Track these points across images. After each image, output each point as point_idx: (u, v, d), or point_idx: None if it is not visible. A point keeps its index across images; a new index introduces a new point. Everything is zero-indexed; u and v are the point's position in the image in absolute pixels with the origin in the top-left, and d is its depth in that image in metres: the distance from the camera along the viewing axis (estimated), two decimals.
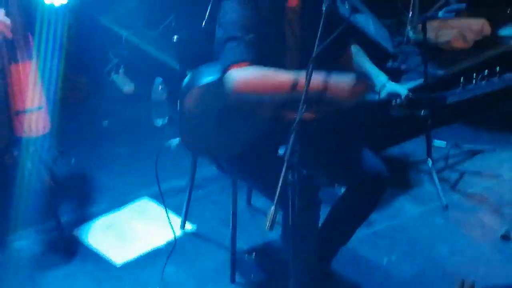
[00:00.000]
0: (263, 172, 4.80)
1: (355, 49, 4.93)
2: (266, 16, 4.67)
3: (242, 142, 4.80)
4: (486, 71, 4.53)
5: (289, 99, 4.45)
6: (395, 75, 5.20)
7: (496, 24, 6.69)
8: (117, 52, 6.78)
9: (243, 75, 4.48)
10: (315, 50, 4.20)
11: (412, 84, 6.12)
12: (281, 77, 4.49)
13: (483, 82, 4.56)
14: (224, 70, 4.48)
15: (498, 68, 4.57)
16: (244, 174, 5.05)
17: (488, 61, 6.59)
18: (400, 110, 4.74)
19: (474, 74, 4.52)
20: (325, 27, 4.22)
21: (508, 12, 6.79)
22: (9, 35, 5.29)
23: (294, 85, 4.44)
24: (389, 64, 5.77)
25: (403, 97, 4.68)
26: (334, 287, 5.19)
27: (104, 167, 6.19)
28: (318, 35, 4.24)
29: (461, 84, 4.54)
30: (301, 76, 4.38)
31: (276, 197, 4.12)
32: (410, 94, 4.68)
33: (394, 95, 4.74)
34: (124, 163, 6.19)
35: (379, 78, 4.84)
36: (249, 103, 4.58)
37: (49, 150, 5.70)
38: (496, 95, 5.30)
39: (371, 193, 4.95)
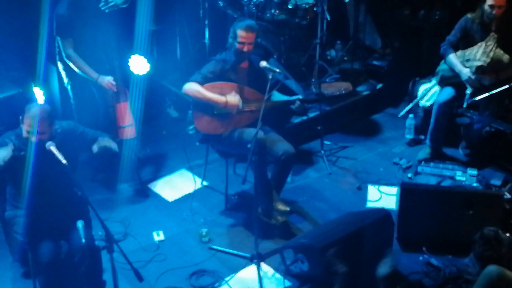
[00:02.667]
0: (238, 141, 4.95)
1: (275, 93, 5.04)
2: (228, 70, 4.93)
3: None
4: None
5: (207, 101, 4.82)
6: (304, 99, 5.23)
7: (355, 85, 6.63)
8: (170, 97, 6.71)
9: (188, 86, 4.87)
10: (264, 97, 4.47)
11: (313, 113, 6.12)
12: (203, 91, 4.82)
13: None
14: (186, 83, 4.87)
15: None
16: (230, 146, 5.12)
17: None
18: (298, 108, 5.03)
19: None
20: (262, 84, 4.64)
21: (361, 79, 6.76)
22: (115, 89, 5.33)
23: (206, 97, 4.82)
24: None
25: (300, 97, 5.03)
26: (281, 202, 5.07)
27: (163, 154, 6.12)
28: (267, 90, 4.47)
29: None
30: (211, 95, 4.82)
31: (246, 169, 4.29)
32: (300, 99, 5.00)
33: (294, 100, 4.99)
34: (173, 152, 6.09)
35: (283, 97, 5.08)
36: (194, 99, 4.88)
37: (136, 145, 5.65)
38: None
39: (287, 162, 4.99)
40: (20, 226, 4.13)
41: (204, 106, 4.93)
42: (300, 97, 4.98)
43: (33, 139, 4.01)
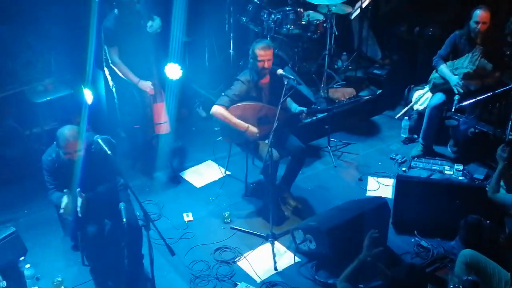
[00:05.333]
0: (258, 149, 4.90)
1: (288, 99, 4.96)
2: (253, 87, 4.80)
3: (240, 138, 4.90)
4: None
5: (232, 125, 4.74)
6: (309, 110, 5.16)
7: (358, 90, 6.57)
8: (199, 99, 6.68)
9: (216, 109, 4.75)
10: (280, 101, 4.44)
11: (322, 115, 6.03)
12: (229, 116, 4.72)
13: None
14: (214, 105, 4.74)
15: None
16: (250, 151, 5.09)
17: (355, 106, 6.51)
18: (304, 117, 5.11)
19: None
20: (281, 91, 4.55)
21: (363, 85, 6.69)
22: (152, 92, 5.33)
23: (231, 122, 4.74)
24: (313, 106, 5.75)
25: (305, 110, 4.89)
26: (291, 197, 5.16)
27: (193, 146, 6.08)
28: (283, 94, 4.47)
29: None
30: (235, 121, 4.73)
31: (264, 161, 4.28)
32: (306, 109, 4.91)
33: (302, 111, 4.88)
34: (201, 145, 6.05)
35: (294, 105, 4.98)
36: (220, 121, 4.82)
37: (170, 139, 5.64)
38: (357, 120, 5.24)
39: (300, 157, 4.99)
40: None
41: (230, 131, 4.92)
42: (305, 110, 4.93)
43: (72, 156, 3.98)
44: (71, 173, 4.01)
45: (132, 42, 5.26)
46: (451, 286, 3.95)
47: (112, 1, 5.19)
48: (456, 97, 5.39)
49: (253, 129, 4.80)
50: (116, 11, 5.18)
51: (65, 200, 3.98)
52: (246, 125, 4.78)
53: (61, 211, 3.96)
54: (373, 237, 3.71)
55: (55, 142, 4.03)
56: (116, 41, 5.23)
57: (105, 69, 5.49)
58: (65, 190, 4.00)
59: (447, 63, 5.52)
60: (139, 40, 5.28)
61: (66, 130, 3.95)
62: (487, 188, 4.30)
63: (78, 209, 3.96)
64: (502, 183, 4.32)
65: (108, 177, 4.20)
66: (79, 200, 3.97)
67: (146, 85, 5.29)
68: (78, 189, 3.99)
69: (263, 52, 4.73)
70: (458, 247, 4.52)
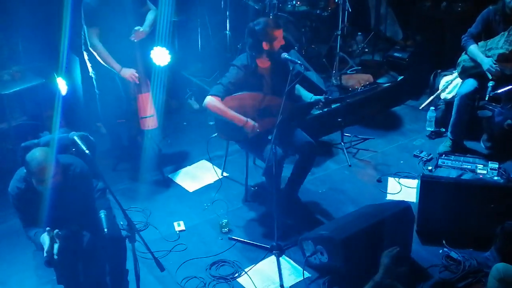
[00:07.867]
0: (259, 147, 4.86)
1: (297, 86, 4.95)
2: (251, 73, 4.79)
3: (239, 135, 4.87)
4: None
5: (228, 119, 4.71)
6: (327, 100, 5.18)
7: (376, 76, 6.60)
8: (191, 88, 6.72)
9: (210, 101, 4.72)
10: (286, 88, 4.44)
11: (334, 105, 6.06)
12: (224, 109, 4.70)
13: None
14: (208, 95, 4.74)
15: None
16: (250, 149, 5.09)
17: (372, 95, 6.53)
18: (321, 107, 5.22)
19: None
20: (287, 78, 4.52)
21: (382, 71, 6.71)
22: (137, 81, 5.34)
23: (227, 115, 4.70)
24: (323, 95, 5.75)
25: (322, 99, 4.85)
26: (299, 204, 5.18)
27: (184, 145, 6.12)
28: (288, 82, 4.45)
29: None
30: (232, 114, 4.69)
31: (266, 161, 4.27)
32: (324, 98, 4.87)
33: (317, 101, 4.87)
34: (194, 143, 6.09)
35: (309, 94, 4.96)
36: (215, 115, 4.81)
37: (157, 136, 5.68)
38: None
39: (309, 156, 4.98)
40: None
41: (227, 126, 4.89)
42: (322, 99, 4.89)
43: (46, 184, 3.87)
44: (38, 203, 3.91)
45: (114, 21, 5.22)
46: None
47: None
48: (490, 84, 5.41)
49: (253, 123, 4.78)
50: None
51: (47, 241, 3.84)
52: (245, 119, 4.76)
53: (45, 254, 3.79)
54: (394, 255, 3.65)
55: (23, 170, 3.93)
56: (97, 20, 5.19)
57: (84, 53, 5.46)
58: (47, 229, 3.86)
59: (479, 43, 5.52)
60: (122, 19, 5.25)
61: (37, 153, 3.81)
62: None
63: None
64: None
65: (90, 203, 4.15)
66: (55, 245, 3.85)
67: (129, 73, 5.29)
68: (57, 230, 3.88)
69: (280, 31, 4.72)
70: (493, 258, 4.53)
